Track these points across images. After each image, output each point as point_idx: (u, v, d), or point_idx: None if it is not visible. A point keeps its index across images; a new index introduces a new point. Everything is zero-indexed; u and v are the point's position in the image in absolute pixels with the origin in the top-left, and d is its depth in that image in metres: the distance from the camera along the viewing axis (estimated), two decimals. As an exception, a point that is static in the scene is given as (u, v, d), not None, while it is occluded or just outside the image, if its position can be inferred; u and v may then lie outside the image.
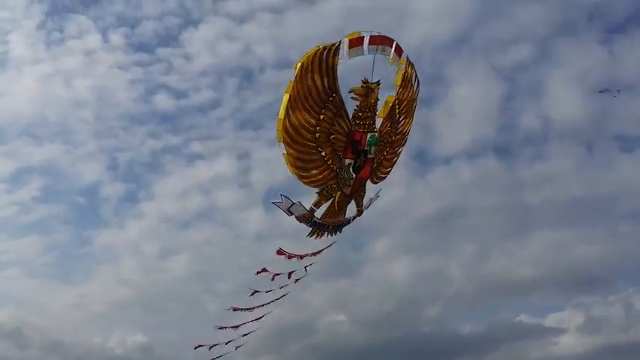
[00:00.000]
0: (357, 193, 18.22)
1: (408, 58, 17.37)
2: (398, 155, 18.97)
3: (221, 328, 19.94)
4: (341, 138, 16.70)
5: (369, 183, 18.42)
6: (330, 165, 16.89)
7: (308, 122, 15.98)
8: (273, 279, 18.77)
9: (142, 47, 51.47)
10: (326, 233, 18.36)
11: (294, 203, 16.99)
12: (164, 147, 48.76)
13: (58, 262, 47.64)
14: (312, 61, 15.56)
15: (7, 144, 51.07)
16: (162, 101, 49.01)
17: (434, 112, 39.63)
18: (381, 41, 16.57)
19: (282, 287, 18.94)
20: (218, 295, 39.06)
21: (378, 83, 16.80)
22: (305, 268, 18.74)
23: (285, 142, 15.96)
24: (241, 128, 48.14)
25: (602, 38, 34.73)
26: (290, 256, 18.62)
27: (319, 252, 18.85)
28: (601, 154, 38.05)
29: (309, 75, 15.59)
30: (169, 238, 45.99)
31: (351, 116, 16.65)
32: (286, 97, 15.56)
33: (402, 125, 18.40)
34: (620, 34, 33.92)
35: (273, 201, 16.84)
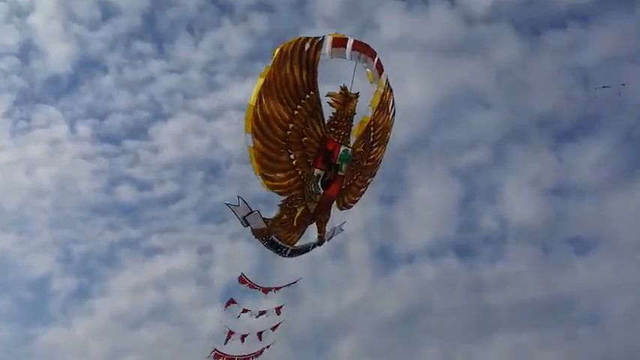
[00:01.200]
0: (322, 215, 16.30)
1: (387, 81, 16.50)
2: (367, 186, 17.45)
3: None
4: (313, 143, 15.08)
5: (334, 209, 16.67)
6: (297, 172, 15.05)
7: (281, 116, 14.37)
8: (243, 341, 17.17)
9: (108, 139, 49.31)
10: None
11: (252, 211, 14.81)
12: (122, 240, 45.43)
13: (-5, 363, 41.71)
14: (293, 50, 14.32)
15: (-41, 234, 47.08)
16: (125, 193, 47.09)
17: (395, 211, 38.98)
18: (364, 50, 15.58)
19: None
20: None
21: (357, 95, 15.70)
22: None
23: (253, 132, 14.17)
24: (203, 222, 46.61)
25: (551, 145, 37.17)
26: (252, 286, 16.52)
27: (283, 287, 17.04)
28: (557, 256, 37.37)
29: (288, 64, 14.26)
30: (119, 338, 41.67)
31: (326, 122, 15.31)
32: (260, 81, 14.02)
33: (375, 152, 17.08)
34: (569, 141, 36.82)
35: (228, 202, 14.64)
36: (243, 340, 17.66)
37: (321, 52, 14.73)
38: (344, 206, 16.81)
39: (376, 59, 15.93)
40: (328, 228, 16.71)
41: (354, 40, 15.36)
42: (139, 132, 49.43)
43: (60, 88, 51.14)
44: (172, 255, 43.00)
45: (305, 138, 14.86)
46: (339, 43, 15.13)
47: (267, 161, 14.49)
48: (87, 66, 50.46)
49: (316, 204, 15.74)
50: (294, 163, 14.89)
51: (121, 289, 42.96)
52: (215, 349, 17.48)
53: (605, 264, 32.86)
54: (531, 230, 35.77)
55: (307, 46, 14.43)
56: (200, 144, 47.45)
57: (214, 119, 48.92)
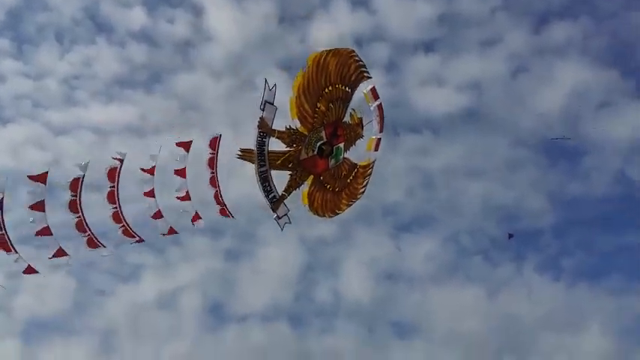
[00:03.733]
0: (299, 174, 17.22)
1: (374, 163, 19.82)
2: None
3: None
4: (333, 114, 17.53)
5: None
6: (314, 118, 17.10)
7: (332, 75, 17.00)
8: None
9: None
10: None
11: (273, 104, 16.26)
12: None
13: None
14: (355, 55, 18.01)
15: None
16: None
17: (239, 268, 39.51)
18: (381, 118, 19.32)
19: None
20: None
21: (362, 136, 18.97)
22: None
23: (314, 62, 16.50)
24: (22, 242, 38.72)
25: (392, 233, 40.06)
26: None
27: None
28: (379, 337, 38.06)
29: (351, 60, 17.91)
30: None
31: (343, 119, 18.14)
32: (336, 47, 17.64)
33: (342, 200, 19.08)
34: (406, 232, 40.88)
35: (267, 80, 16.04)
36: None
37: (365, 82, 18.76)
38: (317, 210, 18.22)
39: (380, 135, 19.79)
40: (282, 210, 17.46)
41: (381, 104, 19.53)
42: (-34, 131, 42.43)
43: None
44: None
45: (332, 105, 17.55)
46: (375, 93, 19.22)
47: (307, 87, 16.77)
48: None
49: (305, 158, 17.11)
50: (316, 110, 17.17)
51: None
52: None
53: (420, 349, 35.60)
54: (361, 309, 38.20)
55: (363, 65, 18.52)
56: (39, 158, 41.08)
57: (63, 135, 43.27)
